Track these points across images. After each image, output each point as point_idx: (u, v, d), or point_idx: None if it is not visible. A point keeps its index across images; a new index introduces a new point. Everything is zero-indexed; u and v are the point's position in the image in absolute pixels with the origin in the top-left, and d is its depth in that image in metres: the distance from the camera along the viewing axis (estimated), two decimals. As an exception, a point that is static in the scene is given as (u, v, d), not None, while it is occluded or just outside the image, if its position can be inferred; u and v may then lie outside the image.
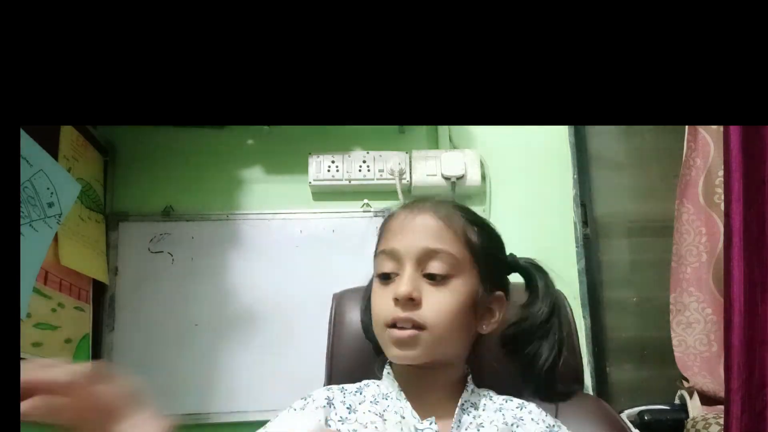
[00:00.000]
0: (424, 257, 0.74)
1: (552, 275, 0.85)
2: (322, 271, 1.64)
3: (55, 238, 1.30)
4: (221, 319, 1.61)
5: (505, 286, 0.83)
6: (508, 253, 0.86)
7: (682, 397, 1.55)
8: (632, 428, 0.89)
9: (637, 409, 1.53)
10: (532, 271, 0.85)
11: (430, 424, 0.73)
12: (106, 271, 1.59)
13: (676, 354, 1.57)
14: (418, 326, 0.72)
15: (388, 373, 0.81)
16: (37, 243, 1.22)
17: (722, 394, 1.15)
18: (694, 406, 1.49)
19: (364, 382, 0.82)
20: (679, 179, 1.63)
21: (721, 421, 1.25)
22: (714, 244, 1.57)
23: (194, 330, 1.60)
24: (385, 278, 0.76)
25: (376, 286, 0.78)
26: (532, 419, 0.76)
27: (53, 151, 1.34)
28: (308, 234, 1.68)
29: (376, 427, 0.72)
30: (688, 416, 1.49)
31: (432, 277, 0.74)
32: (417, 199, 0.82)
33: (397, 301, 0.73)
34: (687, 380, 1.54)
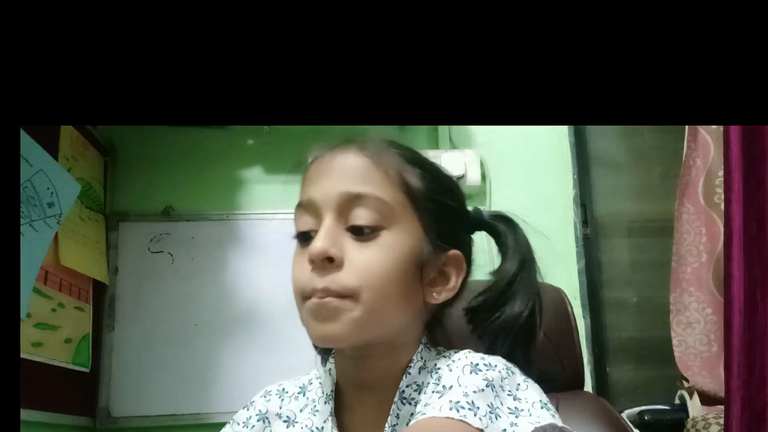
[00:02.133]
0: (345, 205, 0.57)
1: (524, 227, 0.67)
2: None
3: (55, 238, 1.30)
4: (221, 319, 1.61)
5: (463, 244, 0.64)
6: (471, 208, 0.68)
7: (682, 397, 1.55)
8: (632, 428, 0.88)
9: (637, 409, 1.53)
10: (499, 226, 0.67)
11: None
12: (106, 271, 1.59)
13: (676, 354, 1.57)
14: (339, 294, 0.55)
15: (330, 369, 0.65)
16: (37, 243, 1.22)
17: (722, 394, 1.15)
18: (694, 406, 1.49)
19: (310, 376, 0.69)
20: (679, 179, 1.63)
21: (721, 421, 1.25)
22: (714, 244, 1.57)
23: (194, 330, 1.60)
24: (304, 238, 0.60)
25: (297, 250, 0.62)
26: (454, 360, 0.57)
27: (53, 151, 1.34)
28: (308, 234, 1.68)
29: None
30: (688, 416, 1.49)
31: (357, 231, 0.57)
32: (345, 140, 0.64)
33: (313, 262, 0.56)
34: (687, 380, 1.54)
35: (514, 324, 0.61)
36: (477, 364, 0.55)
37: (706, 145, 1.61)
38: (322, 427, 0.61)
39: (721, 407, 1.15)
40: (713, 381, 1.49)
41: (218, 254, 1.65)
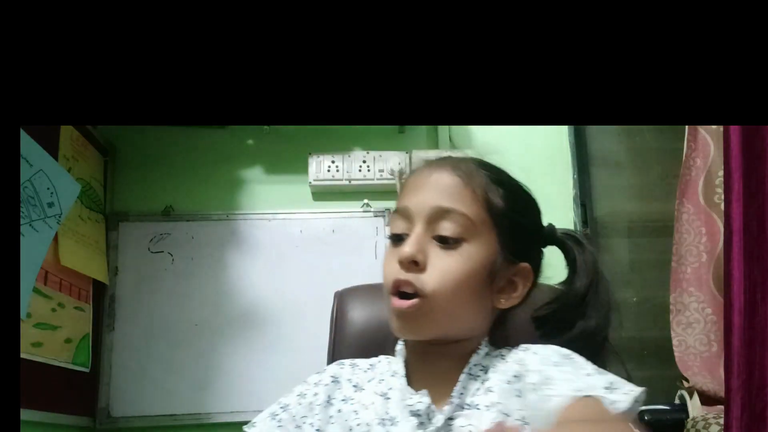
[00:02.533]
0: (434, 217, 0.66)
1: (592, 251, 0.75)
2: (322, 271, 1.64)
3: (55, 238, 1.31)
4: (221, 319, 1.61)
5: (534, 258, 0.73)
6: (546, 223, 0.76)
7: (682, 397, 1.55)
8: (634, 429, 0.87)
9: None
10: (570, 244, 0.75)
11: (421, 397, 0.65)
12: (106, 271, 1.59)
13: (676, 354, 1.57)
14: (419, 293, 0.64)
15: (400, 349, 0.73)
16: (37, 243, 1.22)
17: (722, 394, 1.15)
18: (694, 406, 1.49)
19: (379, 358, 0.76)
20: (679, 179, 1.63)
21: (721, 421, 1.25)
22: (714, 244, 1.56)
23: (194, 330, 1.60)
24: (396, 240, 0.68)
25: (388, 249, 0.70)
26: (540, 359, 0.66)
27: (53, 151, 1.34)
28: (308, 234, 1.68)
29: (376, 410, 0.67)
30: (688, 416, 1.49)
31: (442, 240, 0.65)
32: (441, 157, 0.74)
33: (401, 263, 0.65)
34: (687, 380, 1.54)
35: (590, 337, 0.71)
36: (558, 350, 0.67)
37: (706, 145, 1.61)
38: (386, 393, 0.68)
39: (721, 407, 1.15)
40: (713, 381, 1.49)
41: (218, 254, 1.65)
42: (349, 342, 0.91)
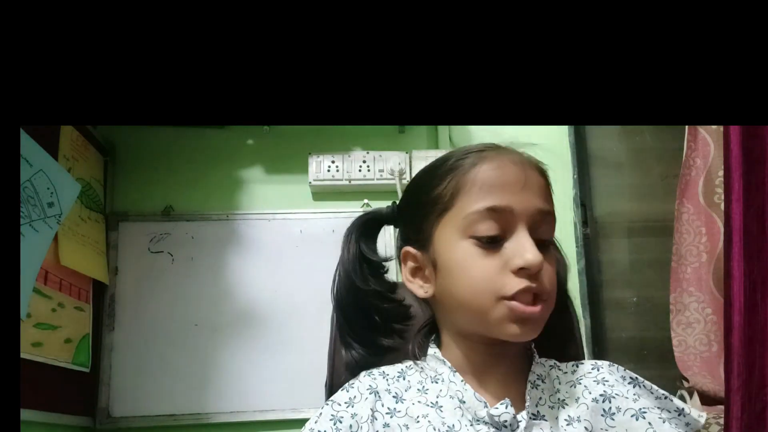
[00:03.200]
0: (538, 219, 0.63)
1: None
2: (322, 271, 1.63)
3: (55, 238, 1.31)
4: (221, 319, 1.61)
5: None
6: None
7: (682, 397, 1.55)
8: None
9: (637, 409, 1.53)
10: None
11: (506, 407, 0.61)
12: (106, 271, 1.59)
13: (676, 354, 1.57)
14: (542, 300, 0.62)
15: (435, 353, 0.69)
16: (37, 243, 1.22)
17: (722, 394, 1.15)
18: (694, 406, 1.49)
19: (405, 364, 0.70)
20: (679, 179, 1.63)
21: (721, 421, 1.25)
22: (714, 244, 1.56)
23: (194, 330, 1.60)
24: (491, 242, 0.62)
25: (473, 249, 0.62)
26: (618, 383, 0.67)
27: (53, 151, 1.34)
28: (308, 234, 1.68)
29: (429, 421, 0.62)
30: (688, 416, 1.49)
31: (543, 245, 0.63)
32: (493, 145, 0.68)
33: (521, 270, 0.60)
34: (687, 380, 1.54)
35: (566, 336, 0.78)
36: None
37: (706, 145, 1.61)
38: (436, 402, 0.64)
39: (721, 407, 1.14)
40: (713, 381, 1.49)
41: (218, 254, 1.65)
42: (349, 342, 0.91)
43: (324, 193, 1.73)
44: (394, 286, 0.75)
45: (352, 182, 1.69)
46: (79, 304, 1.45)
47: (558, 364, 0.71)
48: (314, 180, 1.68)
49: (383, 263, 0.75)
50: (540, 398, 0.65)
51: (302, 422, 1.73)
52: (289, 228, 1.68)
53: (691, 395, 1.52)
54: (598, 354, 1.72)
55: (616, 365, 0.70)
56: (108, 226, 1.62)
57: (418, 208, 0.69)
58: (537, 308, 0.61)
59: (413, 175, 1.67)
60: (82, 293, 1.47)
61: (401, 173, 1.69)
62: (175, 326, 1.60)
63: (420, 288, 0.69)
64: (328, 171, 1.69)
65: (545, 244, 0.64)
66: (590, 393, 0.66)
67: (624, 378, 0.68)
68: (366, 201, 1.72)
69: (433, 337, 0.71)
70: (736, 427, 0.98)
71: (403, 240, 0.72)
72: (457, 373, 0.65)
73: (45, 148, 1.26)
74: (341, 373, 0.92)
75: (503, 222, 0.62)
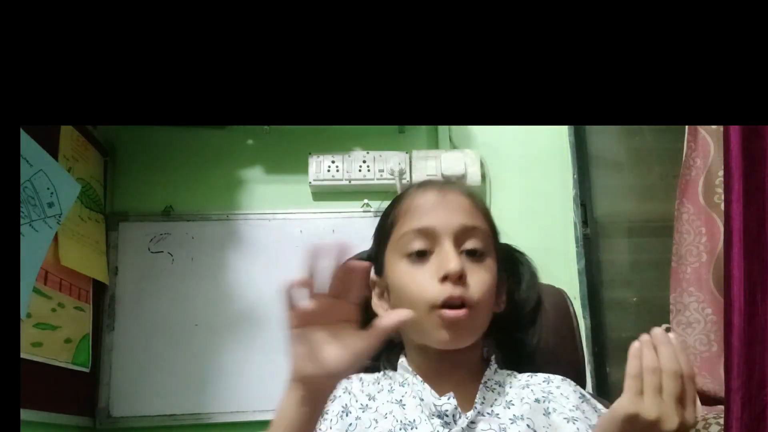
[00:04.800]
0: (462, 234, 0.72)
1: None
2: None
3: (55, 238, 1.30)
4: (221, 319, 1.61)
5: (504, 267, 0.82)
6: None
7: (681, 397, 1.55)
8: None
9: (637, 409, 1.53)
10: (517, 257, 0.84)
11: (448, 399, 0.70)
12: (106, 271, 1.59)
13: (676, 354, 1.57)
14: (467, 304, 0.69)
15: (402, 362, 0.78)
16: (37, 243, 1.22)
17: (722, 394, 1.15)
18: (694, 406, 1.49)
19: (381, 372, 0.80)
20: (679, 179, 1.63)
21: (721, 421, 1.25)
22: (714, 244, 1.56)
23: (194, 330, 1.60)
24: (420, 255, 0.72)
25: (406, 267, 0.73)
26: (561, 393, 0.74)
27: (53, 151, 1.34)
28: (308, 234, 1.68)
29: (395, 416, 0.70)
30: (688, 416, 1.49)
31: (473, 253, 0.72)
32: (428, 180, 0.81)
33: (445, 279, 0.69)
34: (687, 380, 1.54)
35: (527, 351, 0.82)
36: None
37: (706, 145, 1.61)
38: (401, 400, 0.73)
39: (721, 407, 1.14)
40: (713, 381, 1.49)
41: (218, 254, 1.65)
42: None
43: (324, 193, 1.73)
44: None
45: (352, 182, 1.69)
46: (79, 304, 1.45)
47: (515, 373, 0.78)
48: (314, 180, 1.68)
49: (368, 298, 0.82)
50: (495, 400, 0.73)
51: (302, 422, 1.69)
52: (289, 228, 1.68)
53: (691, 395, 1.52)
54: (599, 354, 1.72)
55: (569, 380, 0.77)
56: (108, 226, 1.62)
57: (376, 239, 0.81)
58: (461, 312, 0.68)
59: (413, 174, 1.68)
60: (82, 293, 1.47)
61: (401, 173, 1.69)
62: (175, 326, 1.60)
63: (382, 309, 0.78)
64: (328, 171, 1.69)
65: (476, 253, 0.72)
66: (533, 394, 0.73)
67: (575, 391, 0.75)
68: (366, 201, 1.72)
69: (403, 350, 0.80)
70: (736, 427, 0.98)
71: (374, 270, 0.82)
72: (418, 376, 0.75)
73: (45, 148, 1.26)
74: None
75: (430, 239, 0.72)
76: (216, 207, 1.69)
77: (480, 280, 0.71)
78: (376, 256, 0.81)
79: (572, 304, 0.98)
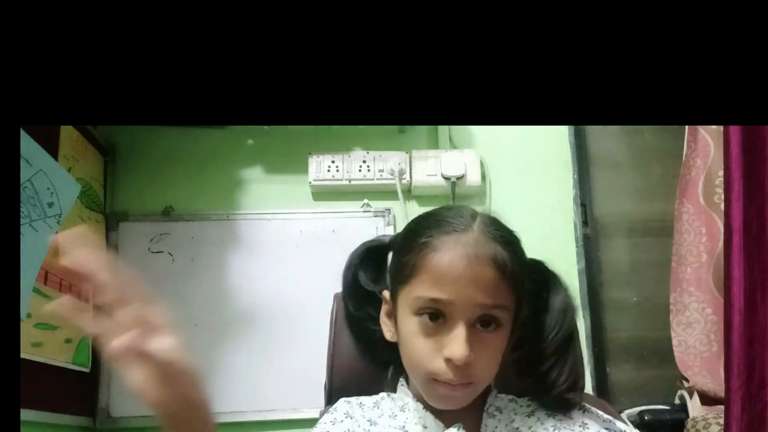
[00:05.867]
0: (479, 313, 0.67)
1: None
2: (322, 271, 1.64)
3: (55, 238, 1.30)
4: (221, 319, 1.61)
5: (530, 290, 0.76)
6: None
7: (682, 397, 1.55)
8: (632, 428, 0.88)
9: (637, 409, 1.53)
10: (549, 277, 0.78)
11: (458, 429, 0.69)
12: (106, 271, 1.58)
13: (676, 354, 1.57)
14: (469, 382, 0.67)
15: (402, 385, 0.77)
16: (37, 243, 1.22)
17: (722, 394, 1.15)
18: (694, 406, 1.49)
19: (380, 395, 0.79)
20: (679, 179, 1.63)
21: (721, 421, 1.25)
22: (714, 244, 1.57)
23: (194, 330, 1.60)
24: (432, 319, 0.67)
25: (415, 328, 0.68)
26: (565, 414, 0.72)
27: (53, 151, 1.34)
28: (308, 234, 1.68)
29: None
30: (688, 416, 1.49)
31: (485, 325, 0.67)
32: (459, 233, 0.68)
33: (449, 361, 0.65)
34: (687, 380, 1.54)
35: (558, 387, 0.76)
36: None
37: (706, 145, 1.61)
38: (404, 426, 0.72)
39: (721, 407, 1.15)
40: (713, 381, 1.49)
41: (218, 254, 1.64)
42: (348, 344, 0.91)
43: (324, 193, 1.73)
44: None
45: (352, 182, 1.69)
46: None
47: (516, 398, 0.76)
48: (314, 180, 1.68)
49: (377, 293, 0.79)
50: (496, 427, 0.72)
51: (302, 422, 1.73)
52: (289, 228, 1.68)
53: (691, 395, 1.52)
54: (598, 354, 1.72)
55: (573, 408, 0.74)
56: (108, 226, 1.62)
57: (395, 263, 0.75)
58: (457, 393, 0.67)
59: (413, 174, 1.68)
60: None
61: (401, 173, 1.69)
62: (175, 326, 1.59)
63: (388, 331, 0.76)
64: (328, 171, 1.69)
65: (491, 325, 0.67)
66: (542, 424, 0.71)
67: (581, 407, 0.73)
68: (366, 201, 1.72)
69: (402, 374, 0.78)
70: (736, 427, 0.98)
71: (390, 276, 0.77)
72: (419, 402, 0.73)
73: (45, 148, 1.26)
74: (341, 373, 0.92)
75: (446, 309, 0.66)
76: (216, 207, 1.69)
77: (487, 357, 0.67)
78: (392, 272, 0.75)
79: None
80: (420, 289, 0.68)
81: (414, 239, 0.70)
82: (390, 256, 0.80)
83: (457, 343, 0.65)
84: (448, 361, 0.65)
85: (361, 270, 0.81)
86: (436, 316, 0.67)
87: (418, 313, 0.68)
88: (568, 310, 0.74)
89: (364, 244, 0.82)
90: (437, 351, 0.66)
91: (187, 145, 1.72)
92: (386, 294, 0.76)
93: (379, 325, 0.78)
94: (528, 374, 0.74)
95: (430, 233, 0.69)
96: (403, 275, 0.70)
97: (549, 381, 0.72)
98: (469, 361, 0.64)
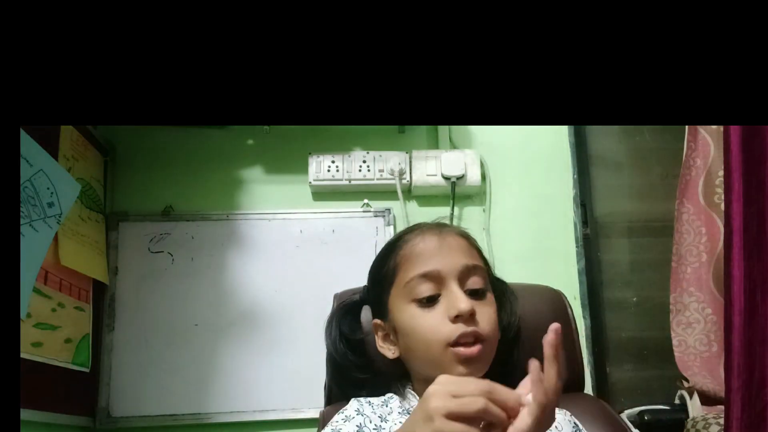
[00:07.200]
0: (465, 274, 0.76)
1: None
2: (322, 271, 1.64)
3: (55, 238, 1.30)
4: (221, 319, 1.61)
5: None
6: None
7: (682, 397, 1.55)
8: (632, 428, 0.88)
9: (637, 409, 1.53)
10: (499, 285, 0.87)
11: None
12: (106, 271, 1.59)
13: (676, 354, 1.57)
14: (480, 340, 0.74)
15: (408, 390, 0.82)
16: (37, 243, 1.22)
17: (722, 394, 1.15)
18: (694, 406, 1.49)
19: (388, 395, 0.83)
20: (679, 179, 1.63)
21: (721, 421, 1.25)
22: (714, 244, 1.57)
23: (194, 330, 1.60)
24: (430, 301, 0.76)
25: (416, 311, 0.77)
26: (554, 426, 0.76)
27: (53, 151, 1.34)
28: (308, 234, 1.68)
29: None
30: (688, 416, 1.49)
31: (475, 293, 0.76)
32: (421, 224, 0.84)
33: (456, 318, 0.73)
34: (687, 380, 1.54)
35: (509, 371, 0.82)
36: None
37: (706, 145, 1.61)
38: None
39: (721, 407, 1.15)
40: (713, 381, 1.49)
41: (218, 254, 1.65)
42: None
43: (324, 193, 1.73)
44: (370, 361, 0.87)
45: (352, 182, 1.69)
46: (79, 304, 1.45)
47: None
48: (314, 180, 1.68)
49: (362, 340, 0.88)
50: None
51: (302, 422, 1.74)
52: (289, 228, 1.68)
53: (691, 395, 1.52)
54: (598, 354, 1.72)
55: (569, 414, 0.81)
56: (108, 226, 1.62)
57: (375, 285, 0.84)
58: (476, 349, 0.73)
59: (413, 174, 1.68)
60: (82, 293, 1.47)
61: (401, 173, 1.69)
62: (175, 326, 1.60)
63: (389, 351, 0.82)
64: (328, 171, 1.69)
65: (479, 292, 0.77)
66: None
67: (569, 421, 0.79)
68: (366, 201, 1.72)
69: (410, 382, 0.84)
70: (736, 427, 0.98)
71: (374, 314, 0.86)
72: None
73: (45, 148, 1.26)
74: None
75: (436, 282, 0.76)
76: (216, 207, 1.69)
77: (486, 316, 0.75)
78: (375, 299, 0.84)
79: (570, 306, 0.98)
80: (408, 274, 0.77)
81: (386, 254, 0.82)
82: (362, 310, 0.90)
83: (458, 298, 0.73)
84: (455, 319, 0.73)
85: (342, 321, 0.89)
86: (431, 298, 0.75)
87: (414, 298, 0.76)
88: (516, 310, 0.85)
89: (339, 305, 0.92)
90: (443, 319, 0.74)
91: (187, 145, 1.72)
92: (376, 321, 0.84)
93: (364, 372, 0.86)
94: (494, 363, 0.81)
95: (398, 242, 0.82)
96: (388, 279, 0.80)
97: (508, 363, 0.81)
98: (472, 310, 0.73)
